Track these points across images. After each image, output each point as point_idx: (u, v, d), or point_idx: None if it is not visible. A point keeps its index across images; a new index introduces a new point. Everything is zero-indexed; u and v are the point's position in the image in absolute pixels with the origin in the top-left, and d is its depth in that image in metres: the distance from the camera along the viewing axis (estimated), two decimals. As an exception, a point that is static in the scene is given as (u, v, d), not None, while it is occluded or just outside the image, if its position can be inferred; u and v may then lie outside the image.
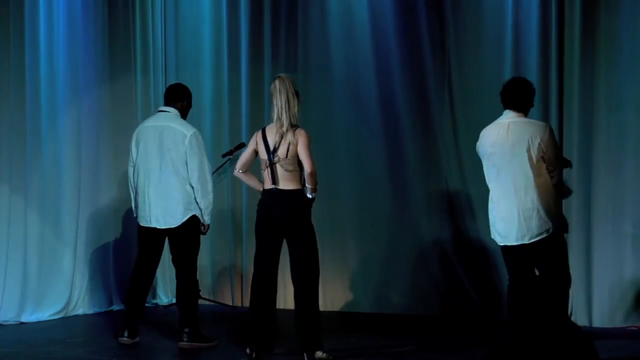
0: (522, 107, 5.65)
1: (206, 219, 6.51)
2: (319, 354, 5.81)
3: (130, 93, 8.65)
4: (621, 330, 7.01)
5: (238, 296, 8.70)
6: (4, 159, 7.60)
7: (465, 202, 7.85)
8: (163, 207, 6.41)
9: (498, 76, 7.55)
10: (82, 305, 8.12)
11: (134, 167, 6.57)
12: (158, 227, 6.45)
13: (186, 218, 6.42)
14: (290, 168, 5.84)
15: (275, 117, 5.88)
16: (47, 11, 7.94)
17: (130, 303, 6.67)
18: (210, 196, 6.49)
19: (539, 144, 5.48)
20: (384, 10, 8.09)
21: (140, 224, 6.56)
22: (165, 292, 8.80)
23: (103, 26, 8.35)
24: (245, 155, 6.13)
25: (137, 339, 6.62)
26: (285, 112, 5.84)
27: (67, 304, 8.00)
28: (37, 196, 7.80)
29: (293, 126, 5.87)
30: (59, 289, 7.96)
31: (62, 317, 7.90)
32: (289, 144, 5.82)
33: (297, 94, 5.93)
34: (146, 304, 8.53)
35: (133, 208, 6.67)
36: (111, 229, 8.41)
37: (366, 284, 8.17)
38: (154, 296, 8.74)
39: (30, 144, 7.75)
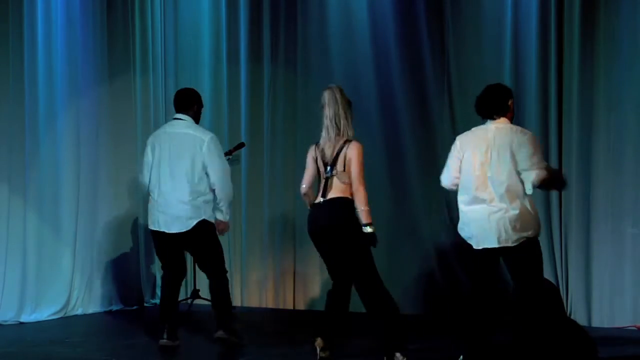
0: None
1: (226, 215, 6.46)
2: (398, 356, 5.75)
3: (129, 92, 8.64)
4: (621, 330, 7.01)
5: (238, 296, 8.69)
6: (3, 159, 7.60)
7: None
8: (172, 213, 6.35)
9: (497, 76, 7.54)
10: (81, 305, 8.12)
11: (150, 172, 6.51)
12: (167, 231, 6.40)
13: (195, 222, 6.37)
14: (347, 181, 5.75)
15: (324, 129, 5.78)
16: (46, 10, 7.93)
17: (162, 306, 6.59)
18: (231, 195, 6.46)
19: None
20: (383, 10, 8.09)
21: (150, 227, 6.50)
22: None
23: (102, 25, 8.34)
24: (308, 173, 5.95)
25: (177, 342, 6.45)
26: (333, 124, 5.74)
27: (66, 303, 7.99)
28: (36, 196, 7.80)
29: (347, 140, 5.75)
30: (58, 288, 7.96)
31: (61, 317, 7.91)
32: (345, 158, 5.73)
33: (349, 103, 5.80)
34: (146, 304, 8.64)
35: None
36: (110, 228, 8.40)
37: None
38: (153, 296, 8.74)
39: (29, 144, 7.75)
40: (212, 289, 6.53)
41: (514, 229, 5.41)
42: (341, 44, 8.33)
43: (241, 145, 8.39)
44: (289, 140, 8.56)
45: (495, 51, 7.69)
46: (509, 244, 5.44)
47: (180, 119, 6.52)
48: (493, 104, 5.61)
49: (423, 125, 8.06)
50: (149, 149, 6.56)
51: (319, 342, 5.81)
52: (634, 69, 7.10)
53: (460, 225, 5.69)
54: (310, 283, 8.48)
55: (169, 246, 6.48)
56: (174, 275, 6.55)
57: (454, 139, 7.73)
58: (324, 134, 5.78)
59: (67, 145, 8.06)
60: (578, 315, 7.20)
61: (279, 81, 8.62)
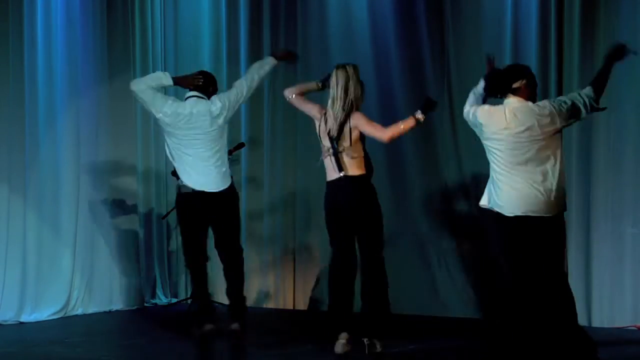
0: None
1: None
2: (377, 343, 5.76)
3: (129, 93, 8.55)
4: (621, 330, 7.01)
5: (237, 296, 8.69)
6: (3, 159, 7.61)
7: (464, 203, 7.86)
8: (205, 178, 6.37)
9: (497, 76, 7.55)
10: (81, 305, 8.11)
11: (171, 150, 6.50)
12: (206, 190, 6.35)
13: (228, 185, 6.42)
14: (355, 155, 5.81)
15: (329, 105, 5.85)
16: (46, 10, 7.93)
17: (205, 305, 6.57)
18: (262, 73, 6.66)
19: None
20: (383, 10, 8.09)
21: (186, 189, 6.39)
22: (164, 292, 8.80)
23: (102, 25, 8.34)
24: (306, 104, 6.10)
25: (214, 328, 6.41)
26: (340, 101, 5.78)
27: (66, 303, 7.99)
28: (36, 196, 7.80)
29: (348, 114, 5.80)
30: (58, 288, 7.96)
31: (61, 317, 7.90)
32: (350, 131, 5.76)
33: (361, 83, 5.92)
34: (146, 304, 8.64)
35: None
36: (110, 228, 8.40)
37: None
38: (153, 296, 8.74)
39: (29, 144, 7.75)
40: (232, 269, 6.46)
41: (545, 202, 5.37)
42: (341, 44, 8.32)
43: (241, 145, 8.38)
44: (289, 140, 8.56)
45: (495, 51, 7.62)
46: (543, 214, 5.37)
47: (192, 96, 6.46)
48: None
49: (423, 126, 8.04)
50: (168, 124, 6.46)
51: (343, 335, 5.79)
52: (633, 68, 7.09)
53: (491, 194, 5.56)
54: (310, 283, 8.48)
55: (199, 217, 6.38)
56: (203, 267, 6.50)
57: (454, 139, 7.81)
58: (329, 106, 5.79)
59: (67, 146, 8.06)
60: (578, 315, 7.19)
61: (279, 81, 8.62)
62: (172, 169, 6.63)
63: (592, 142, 7.18)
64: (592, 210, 7.18)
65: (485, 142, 5.59)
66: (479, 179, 7.63)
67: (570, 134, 7.25)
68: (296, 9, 8.52)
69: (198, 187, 6.39)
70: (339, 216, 5.82)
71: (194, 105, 6.42)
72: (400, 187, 8.08)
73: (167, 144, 6.53)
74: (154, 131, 8.72)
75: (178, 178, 6.50)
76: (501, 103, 5.58)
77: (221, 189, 6.42)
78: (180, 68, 8.92)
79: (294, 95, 6.18)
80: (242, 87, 6.59)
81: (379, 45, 8.14)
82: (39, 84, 7.85)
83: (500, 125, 5.47)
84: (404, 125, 5.81)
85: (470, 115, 5.67)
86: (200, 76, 6.57)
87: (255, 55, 8.64)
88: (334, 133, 5.78)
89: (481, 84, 5.78)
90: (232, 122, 8.67)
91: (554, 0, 7.31)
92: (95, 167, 8.28)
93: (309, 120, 8.16)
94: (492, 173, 5.57)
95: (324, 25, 8.41)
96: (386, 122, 8.01)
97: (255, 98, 8.63)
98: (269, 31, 8.60)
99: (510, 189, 5.43)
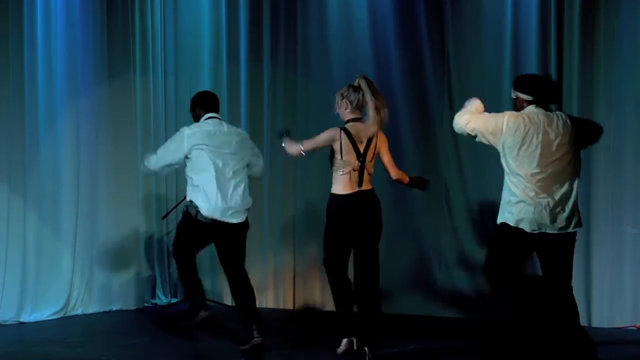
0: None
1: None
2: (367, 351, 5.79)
3: (129, 93, 8.64)
4: (621, 330, 7.02)
5: (237, 296, 8.69)
6: (3, 159, 7.61)
7: (464, 203, 7.86)
8: (233, 205, 6.22)
9: (497, 76, 7.56)
10: (81, 305, 8.12)
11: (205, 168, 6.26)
12: (230, 221, 6.20)
13: (244, 220, 6.30)
14: (372, 171, 5.87)
15: (368, 118, 5.79)
16: (46, 10, 7.93)
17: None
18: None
19: None
20: (383, 10, 8.10)
21: (205, 219, 6.19)
22: (164, 292, 8.80)
23: (102, 25, 8.34)
24: (316, 144, 5.98)
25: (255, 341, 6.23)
26: (370, 110, 5.79)
27: (66, 303, 7.99)
28: (36, 196, 7.80)
29: (375, 130, 5.85)
30: (58, 288, 7.96)
31: (61, 317, 7.90)
32: (375, 148, 5.83)
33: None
34: (145, 304, 8.63)
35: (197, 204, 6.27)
36: (110, 228, 8.40)
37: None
38: (153, 296, 8.74)
39: (29, 144, 7.75)
40: (247, 292, 6.28)
41: (565, 218, 5.28)
42: (341, 44, 8.33)
43: (241, 145, 8.38)
44: (289, 139, 8.55)
45: (495, 51, 7.69)
46: (567, 230, 5.30)
47: (210, 117, 6.38)
48: (547, 94, 5.48)
49: (423, 125, 8.05)
50: (203, 149, 6.25)
51: (345, 342, 5.80)
52: (633, 68, 7.10)
53: (509, 209, 5.35)
54: (310, 283, 8.48)
55: (208, 240, 6.30)
56: (194, 264, 6.33)
57: (454, 139, 7.81)
58: (366, 121, 5.79)
59: (66, 146, 8.06)
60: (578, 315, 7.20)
61: (279, 81, 8.62)
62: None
63: (591, 141, 7.18)
64: (592, 211, 7.18)
65: (509, 150, 5.32)
66: (479, 179, 7.65)
67: (570, 134, 7.26)
68: (296, 9, 8.52)
69: (218, 216, 6.16)
70: (352, 226, 5.79)
71: (220, 125, 6.32)
72: (400, 187, 8.06)
73: (191, 178, 6.24)
74: (154, 132, 8.73)
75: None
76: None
77: (239, 222, 6.24)
78: (181, 68, 8.94)
79: (302, 147, 6.06)
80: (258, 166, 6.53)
81: (379, 45, 8.14)
82: (39, 84, 7.85)
83: (534, 130, 5.30)
84: (409, 176, 6.14)
85: (492, 120, 5.38)
86: None
87: (255, 55, 8.66)
88: (364, 148, 5.78)
89: (471, 102, 5.59)
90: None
91: (554, 0, 7.32)
92: (95, 167, 8.27)
93: (309, 120, 8.21)
94: (508, 193, 5.37)
95: (324, 25, 8.41)
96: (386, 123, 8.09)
97: (255, 98, 8.66)
98: (269, 31, 8.60)
99: (531, 201, 5.27)
